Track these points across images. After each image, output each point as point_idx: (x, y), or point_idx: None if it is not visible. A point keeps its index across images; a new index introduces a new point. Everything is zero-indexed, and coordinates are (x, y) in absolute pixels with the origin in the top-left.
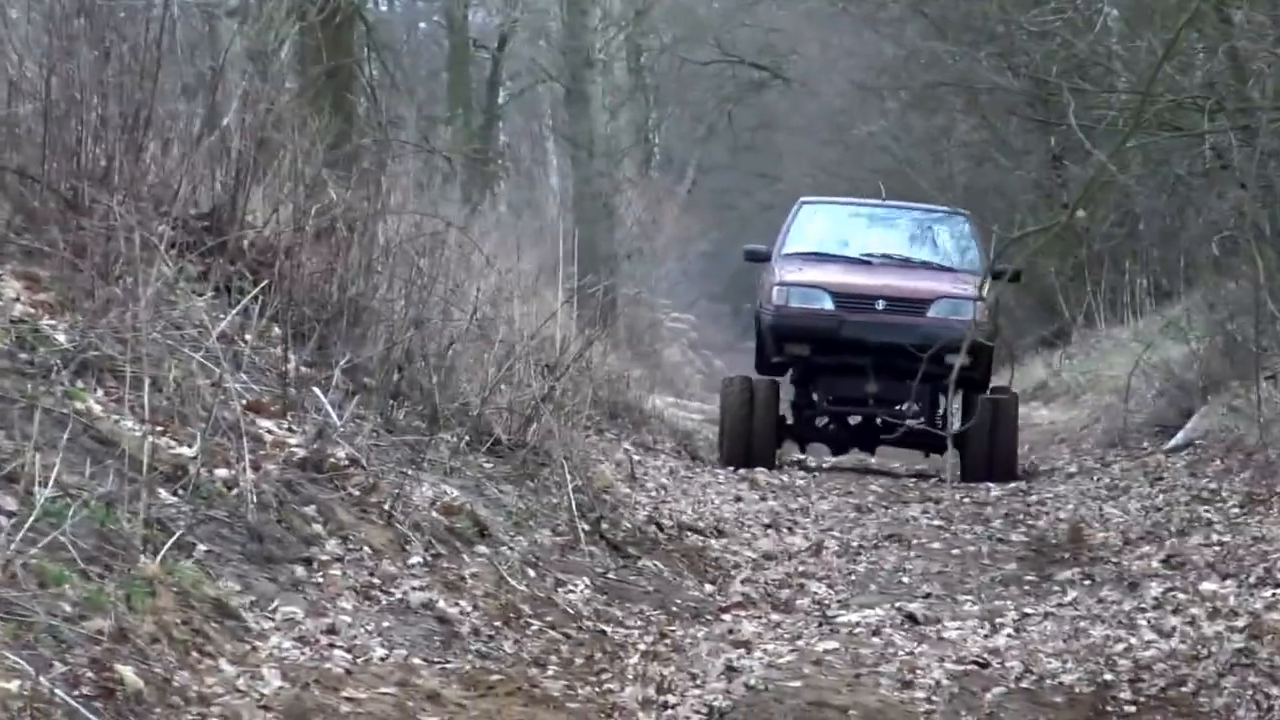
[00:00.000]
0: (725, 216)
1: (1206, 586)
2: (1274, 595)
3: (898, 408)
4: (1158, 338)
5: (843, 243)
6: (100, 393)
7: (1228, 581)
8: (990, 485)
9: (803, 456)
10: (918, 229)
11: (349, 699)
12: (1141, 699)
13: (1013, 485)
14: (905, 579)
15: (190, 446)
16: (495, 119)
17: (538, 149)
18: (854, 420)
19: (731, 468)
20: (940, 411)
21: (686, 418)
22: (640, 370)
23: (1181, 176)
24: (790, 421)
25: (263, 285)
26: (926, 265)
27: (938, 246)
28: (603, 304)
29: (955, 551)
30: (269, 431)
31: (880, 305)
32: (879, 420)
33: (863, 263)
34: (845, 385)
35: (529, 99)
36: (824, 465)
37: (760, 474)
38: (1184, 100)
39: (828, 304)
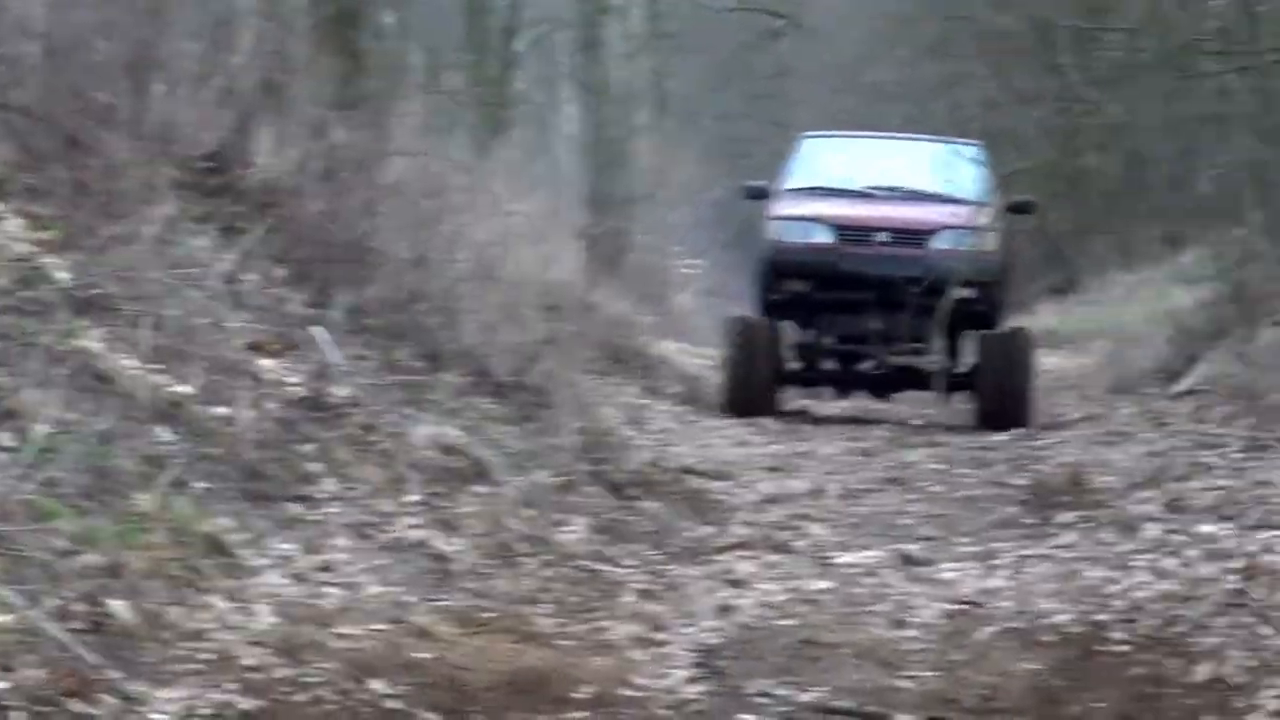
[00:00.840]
0: (739, 165)
1: (1204, 529)
2: (1271, 537)
3: (908, 346)
4: (1166, 284)
5: (846, 177)
6: (101, 330)
7: (1226, 524)
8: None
9: (806, 403)
10: (925, 160)
11: (341, 635)
12: (1133, 639)
13: (1019, 430)
14: (905, 521)
15: (189, 384)
16: (511, 65)
17: (553, 95)
18: (863, 365)
19: (733, 415)
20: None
21: (694, 363)
22: (650, 316)
23: (1188, 121)
24: (794, 365)
25: (266, 225)
26: (932, 197)
27: (946, 177)
28: (612, 248)
29: (956, 495)
30: (269, 370)
31: (881, 237)
32: (885, 360)
33: (865, 196)
34: (847, 323)
35: (545, 47)
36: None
37: (766, 419)
38: (1190, 44)
39: (827, 237)
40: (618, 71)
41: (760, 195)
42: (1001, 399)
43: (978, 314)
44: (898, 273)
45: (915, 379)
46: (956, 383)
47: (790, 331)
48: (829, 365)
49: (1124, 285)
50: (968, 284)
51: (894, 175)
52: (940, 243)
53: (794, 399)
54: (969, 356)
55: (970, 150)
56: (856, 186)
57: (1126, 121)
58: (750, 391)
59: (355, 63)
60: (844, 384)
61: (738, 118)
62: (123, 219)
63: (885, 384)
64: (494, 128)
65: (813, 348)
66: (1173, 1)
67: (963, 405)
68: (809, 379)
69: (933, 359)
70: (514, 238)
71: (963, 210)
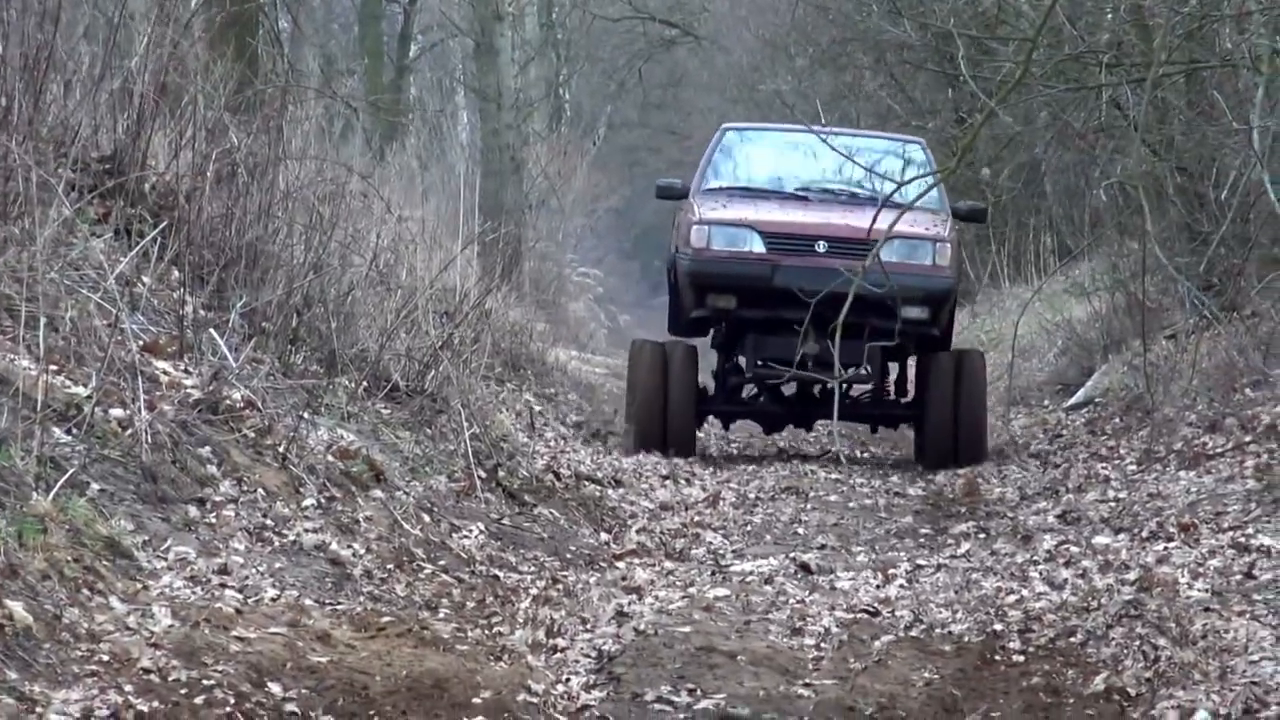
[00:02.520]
0: (634, 173)
1: (1100, 540)
2: (1165, 549)
3: (844, 372)
4: (1060, 297)
5: (774, 176)
6: None
7: (1121, 535)
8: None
9: (726, 435)
10: (866, 159)
11: (239, 638)
12: (1030, 649)
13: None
14: (801, 530)
15: (85, 386)
16: (406, 72)
17: (447, 102)
18: (789, 390)
19: (641, 453)
20: (892, 377)
21: (590, 372)
22: (544, 323)
23: (1081, 132)
24: (712, 394)
25: (162, 228)
26: (875, 201)
27: (890, 179)
28: (506, 254)
29: (852, 505)
30: (165, 373)
31: (820, 247)
32: (817, 390)
33: (798, 198)
34: (778, 345)
35: (439, 53)
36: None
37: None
38: (1082, 54)
39: (757, 246)
40: (512, 79)
41: (675, 195)
42: (952, 432)
43: (926, 337)
44: (840, 289)
45: (857, 411)
46: (898, 414)
47: (711, 355)
48: (754, 394)
49: (1017, 298)
50: (917, 302)
51: (832, 175)
52: (888, 254)
53: (716, 437)
54: (909, 384)
55: (914, 149)
56: (789, 187)
57: (1019, 133)
58: (664, 428)
59: (250, 67)
60: (771, 417)
61: (633, 126)
62: (18, 220)
63: (817, 416)
64: (389, 134)
65: (738, 374)
66: (1065, 13)
67: (835, 434)
68: (732, 412)
69: (871, 388)
70: (409, 244)
71: (915, 217)
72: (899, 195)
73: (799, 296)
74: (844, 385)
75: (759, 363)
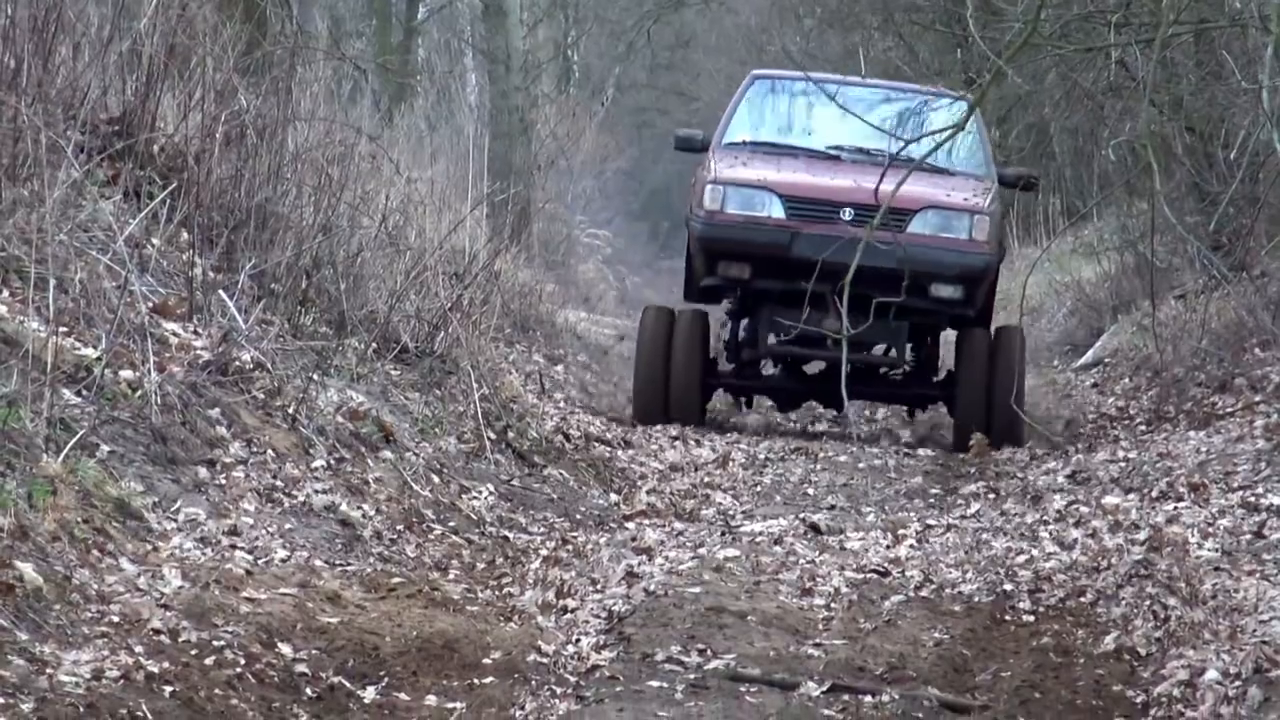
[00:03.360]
0: (642, 135)
1: (1109, 500)
2: (1175, 509)
3: (868, 351)
4: (1068, 257)
5: (804, 130)
6: (5, 293)
7: (1130, 495)
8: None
9: (743, 412)
10: (906, 115)
11: (249, 599)
12: (1040, 609)
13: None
14: (810, 491)
15: (95, 348)
16: (414, 34)
17: (456, 64)
18: (812, 367)
19: (646, 424)
20: (923, 355)
21: (600, 333)
22: (553, 284)
23: (1089, 92)
24: (725, 366)
25: (171, 190)
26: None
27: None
28: (515, 216)
29: (861, 465)
30: (174, 334)
31: (847, 214)
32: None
33: (829, 158)
34: (795, 320)
35: (448, 15)
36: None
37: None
38: (1090, 15)
39: (776, 210)
40: (520, 41)
41: (695, 147)
42: (987, 414)
43: (962, 316)
44: (866, 262)
45: (889, 390)
46: (930, 394)
47: (725, 324)
48: (769, 370)
49: (1026, 258)
50: (953, 280)
51: (867, 133)
52: (922, 225)
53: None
54: (946, 361)
55: (963, 106)
56: (818, 145)
57: (1028, 93)
58: (669, 397)
59: (259, 29)
60: (788, 394)
61: (641, 88)
62: (27, 182)
63: (850, 395)
64: (397, 96)
65: (754, 346)
66: None
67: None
68: (744, 387)
69: (901, 367)
70: (418, 205)
71: (953, 184)
72: (935, 157)
73: (821, 268)
74: (871, 363)
75: (773, 338)
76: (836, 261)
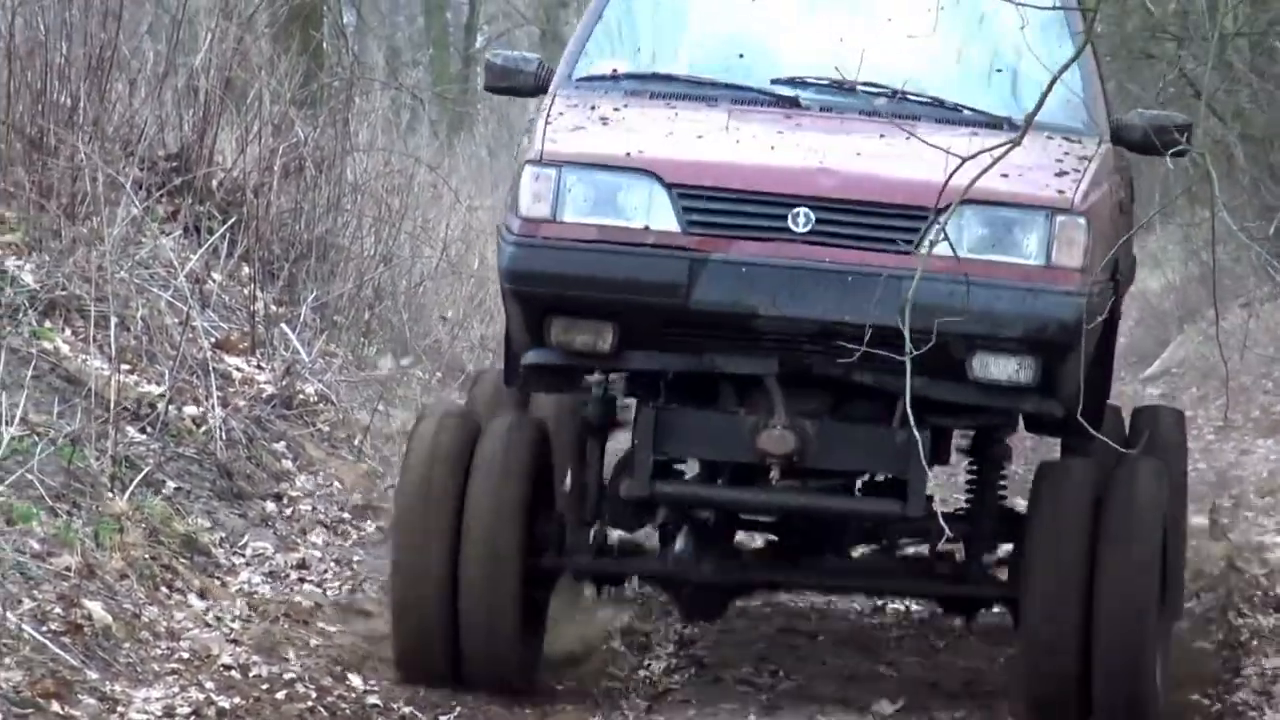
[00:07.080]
0: None
1: None
2: (1245, 516)
3: (849, 493)
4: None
5: (730, 47)
6: (68, 332)
7: (1199, 504)
8: None
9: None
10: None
11: (319, 632)
12: None
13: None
14: None
15: (158, 384)
16: (472, 61)
17: None
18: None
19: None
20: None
21: None
22: None
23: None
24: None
25: (230, 224)
26: (941, 108)
27: (975, 61)
28: None
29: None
30: (237, 369)
31: (799, 220)
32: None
33: (775, 103)
34: (713, 429)
35: (505, 42)
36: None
37: None
38: (1152, 24)
39: (661, 215)
40: None
41: (520, 88)
42: (1080, 649)
43: (1035, 420)
44: (831, 315)
45: (876, 571)
46: (976, 593)
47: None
48: (663, 524)
49: None
50: (1009, 347)
51: (852, 56)
52: (956, 238)
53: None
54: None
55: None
56: (755, 79)
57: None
58: (452, 624)
59: (316, 60)
60: (703, 589)
61: None
62: (87, 220)
63: (810, 578)
64: (456, 123)
65: (630, 482)
66: None
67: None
68: (611, 572)
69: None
70: (478, 233)
71: (1020, 152)
72: (986, 98)
73: (750, 326)
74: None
75: (660, 466)
76: (783, 316)
